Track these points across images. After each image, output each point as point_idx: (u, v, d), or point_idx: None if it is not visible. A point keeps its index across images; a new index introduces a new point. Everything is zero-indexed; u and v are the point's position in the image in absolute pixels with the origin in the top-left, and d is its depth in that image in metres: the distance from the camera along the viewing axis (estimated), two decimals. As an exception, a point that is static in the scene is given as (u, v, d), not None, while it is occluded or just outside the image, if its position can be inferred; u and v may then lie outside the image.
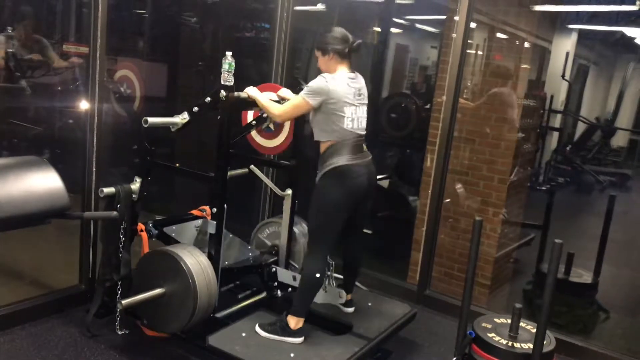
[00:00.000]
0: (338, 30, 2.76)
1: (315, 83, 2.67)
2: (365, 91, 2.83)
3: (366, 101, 2.83)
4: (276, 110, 2.80)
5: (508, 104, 3.83)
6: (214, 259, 2.80)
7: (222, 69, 2.67)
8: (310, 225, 2.81)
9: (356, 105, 2.74)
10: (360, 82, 2.81)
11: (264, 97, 2.86)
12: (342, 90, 2.67)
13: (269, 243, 3.45)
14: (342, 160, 2.68)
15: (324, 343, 2.72)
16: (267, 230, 3.49)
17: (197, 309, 2.62)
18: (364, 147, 2.82)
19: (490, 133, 3.87)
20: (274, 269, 3.17)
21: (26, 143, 4.01)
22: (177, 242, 3.00)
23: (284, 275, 3.15)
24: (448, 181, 3.80)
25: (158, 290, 2.70)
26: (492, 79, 3.98)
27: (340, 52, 2.73)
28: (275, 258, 3.26)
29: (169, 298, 2.70)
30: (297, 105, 2.73)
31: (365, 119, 2.82)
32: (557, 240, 2.27)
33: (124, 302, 2.61)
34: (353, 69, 2.80)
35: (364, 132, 2.80)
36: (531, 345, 2.39)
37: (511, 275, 4.42)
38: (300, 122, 3.18)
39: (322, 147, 2.76)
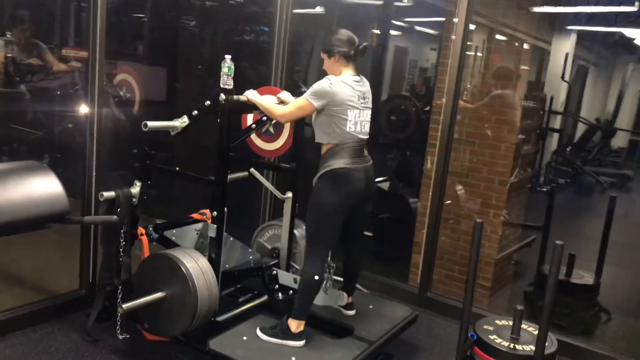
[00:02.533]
0: (343, 32, 2.75)
1: (320, 85, 2.66)
2: (369, 95, 2.81)
3: (370, 105, 2.81)
4: (279, 110, 2.80)
5: (509, 106, 3.83)
6: (214, 262, 2.79)
7: (222, 73, 2.67)
8: (307, 228, 2.80)
9: (360, 109, 2.72)
10: (365, 85, 2.80)
11: (265, 100, 2.86)
12: (346, 93, 2.66)
13: (269, 246, 3.44)
14: (340, 163, 2.67)
15: (325, 346, 2.72)
16: (267, 233, 3.48)
17: (197, 312, 2.61)
18: (365, 151, 2.81)
19: (490, 135, 3.87)
20: (275, 272, 3.17)
21: (26, 148, 4.01)
22: (177, 245, 2.99)
23: (285, 278, 3.15)
24: (448, 183, 3.80)
25: (158, 294, 2.69)
26: (491, 81, 3.98)
27: (345, 54, 2.72)
28: (276, 261, 3.25)
29: (170, 302, 2.69)
30: (300, 106, 2.72)
31: (369, 123, 2.81)
32: (558, 242, 2.27)
33: (124, 306, 2.60)
34: (358, 71, 2.79)
35: (366, 137, 2.79)
36: (533, 347, 2.39)
37: (512, 277, 4.41)
38: (300, 125, 3.18)
39: (323, 149, 2.75)
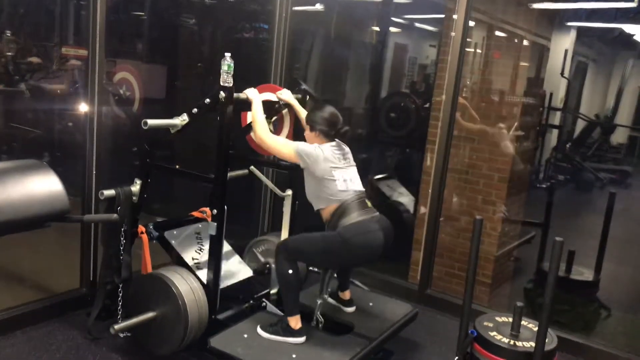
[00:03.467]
0: (328, 111, 2.81)
1: (310, 148, 2.72)
2: (350, 155, 2.87)
3: (354, 163, 2.87)
4: (262, 132, 2.78)
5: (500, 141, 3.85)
6: (214, 260, 2.80)
7: (221, 70, 2.67)
8: (300, 244, 2.76)
9: (344, 168, 2.77)
10: (344, 147, 2.86)
11: (259, 108, 2.84)
12: (328, 158, 2.71)
13: (262, 259, 3.44)
14: (352, 218, 2.67)
15: (326, 343, 2.72)
16: (263, 246, 3.48)
17: (187, 334, 2.66)
18: (369, 203, 2.81)
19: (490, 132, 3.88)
20: (264, 304, 3.07)
21: (26, 146, 4.01)
22: (176, 248, 3.00)
23: (273, 310, 3.05)
24: (448, 180, 3.80)
25: (150, 314, 2.73)
26: (491, 78, 3.98)
27: (326, 134, 2.80)
28: (267, 290, 3.19)
29: (161, 322, 2.74)
30: (286, 150, 2.74)
31: (358, 178, 2.84)
32: (557, 238, 2.27)
33: (116, 327, 2.64)
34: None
35: (361, 189, 2.81)
36: (533, 344, 2.39)
37: (512, 274, 4.42)
38: (300, 124, 3.17)
39: (326, 214, 2.75)
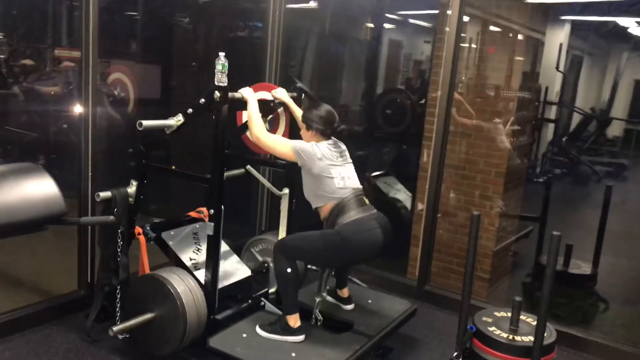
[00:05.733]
0: (325, 109, 2.81)
1: (307, 146, 2.72)
2: (347, 152, 2.88)
3: (350, 160, 2.87)
4: (258, 131, 2.77)
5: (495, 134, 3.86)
6: (212, 261, 2.79)
7: (216, 70, 2.66)
8: (297, 244, 2.76)
9: (341, 165, 2.77)
10: (340, 145, 2.87)
11: (255, 108, 2.83)
12: (325, 155, 2.72)
13: (260, 258, 3.44)
14: (350, 215, 2.67)
15: (325, 341, 2.72)
16: (260, 245, 3.48)
17: (186, 333, 2.66)
18: (367, 200, 2.81)
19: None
20: (263, 303, 3.07)
21: (20, 149, 3.99)
22: (173, 248, 3.00)
23: (272, 309, 3.05)
24: (445, 176, 3.80)
25: (148, 315, 2.73)
26: (486, 73, 3.98)
27: (322, 132, 2.80)
28: (265, 290, 3.18)
29: (160, 323, 2.74)
30: (283, 149, 2.74)
31: (356, 176, 2.84)
32: (555, 232, 2.27)
33: (114, 328, 2.63)
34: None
35: (359, 186, 2.81)
36: (532, 338, 2.40)
37: (510, 268, 4.43)
38: (297, 123, 3.17)
39: (324, 212, 2.76)
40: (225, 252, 3.20)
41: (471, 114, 3.92)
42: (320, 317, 2.91)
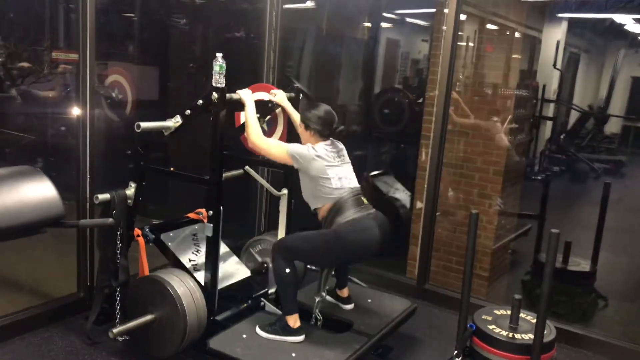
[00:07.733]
0: (324, 110, 2.80)
1: (303, 149, 2.72)
2: (345, 152, 2.87)
3: (349, 160, 2.86)
4: (255, 135, 2.78)
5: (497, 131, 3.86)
6: (211, 262, 2.79)
7: (213, 71, 2.66)
8: (296, 243, 2.75)
9: (339, 166, 2.77)
10: (338, 145, 2.86)
11: (252, 111, 2.84)
12: (322, 156, 2.71)
13: (259, 259, 3.44)
14: (348, 215, 2.67)
15: (325, 341, 2.72)
16: (260, 245, 3.48)
17: (186, 335, 2.66)
18: (365, 200, 2.80)
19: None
20: (262, 304, 3.07)
21: (18, 152, 3.99)
22: (172, 250, 2.99)
23: (271, 310, 3.05)
24: (443, 175, 3.80)
25: (148, 317, 2.73)
26: (484, 71, 3.98)
27: (320, 133, 2.79)
28: (265, 290, 3.17)
29: (159, 324, 2.74)
30: (279, 153, 2.75)
31: (354, 176, 2.84)
32: (554, 230, 2.27)
33: (114, 330, 2.64)
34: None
35: (357, 186, 2.81)
36: (532, 336, 2.40)
37: (509, 266, 4.43)
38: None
39: (323, 212, 2.76)
40: (224, 253, 3.20)
41: (467, 113, 3.92)
42: (320, 317, 2.91)
